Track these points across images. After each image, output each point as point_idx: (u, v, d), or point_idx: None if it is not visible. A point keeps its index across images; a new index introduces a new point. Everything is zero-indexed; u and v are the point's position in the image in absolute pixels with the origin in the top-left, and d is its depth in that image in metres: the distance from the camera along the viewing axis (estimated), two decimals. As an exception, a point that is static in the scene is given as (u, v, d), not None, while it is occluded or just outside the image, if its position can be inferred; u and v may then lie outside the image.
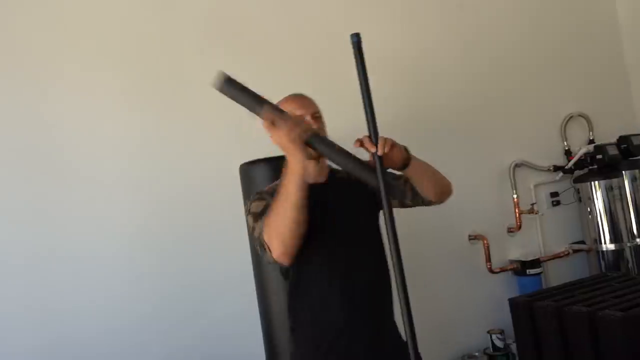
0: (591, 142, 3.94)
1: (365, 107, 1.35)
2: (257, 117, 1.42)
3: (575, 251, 3.77)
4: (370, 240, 1.64)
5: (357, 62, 1.33)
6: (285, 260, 1.42)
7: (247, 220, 1.59)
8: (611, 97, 4.16)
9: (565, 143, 3.89)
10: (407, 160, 1.49)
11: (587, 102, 4.00)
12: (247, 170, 2.50)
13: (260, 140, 2.78)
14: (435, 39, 3.46)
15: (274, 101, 1.55)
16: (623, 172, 3.65)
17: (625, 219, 3.60)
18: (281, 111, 1.41)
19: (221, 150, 2.84)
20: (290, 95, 1.65)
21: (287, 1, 3.11)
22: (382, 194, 1.30)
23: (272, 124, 1.36)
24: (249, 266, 2.54)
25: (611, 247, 3.59)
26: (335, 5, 3.21)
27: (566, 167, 3.77)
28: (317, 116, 1.61)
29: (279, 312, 2.40)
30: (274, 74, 2.83)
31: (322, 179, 1.65)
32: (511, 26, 3.79)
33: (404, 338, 1.29)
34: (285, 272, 1.65)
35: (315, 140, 1.39)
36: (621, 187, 3.62)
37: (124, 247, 2.65)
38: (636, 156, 3.70)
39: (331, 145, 1.41)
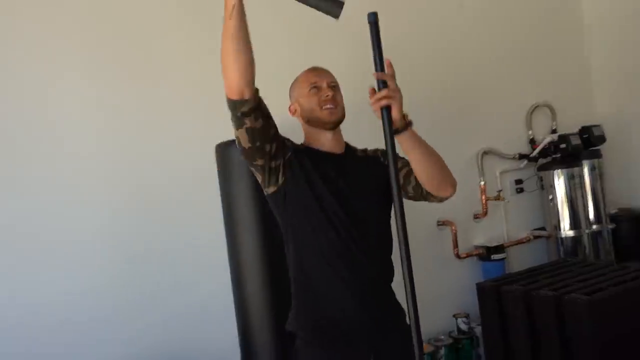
0: (554, 131, 4.05)
1: (378, 86, 1.34)
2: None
3: (536, 237, 3.89)
4: (378, 227, 1.61)
5: (372, 41, 1.30)
6: (230, 93, 1.38)
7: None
8: (573, 88, 4.28)
9: (530, 132, 3.99)
10: (406, 121, 1.44)
11: (551, 92, 4.10)
12: (224, 150, 2.42)
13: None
14: (406, 30, 3.44)
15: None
16: (583, 161, 3.78)
17: (584, 206, 3.74)
18: None
19: (197, 130, 2.73)
20: (308, 68, 1.70)
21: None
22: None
23: None
24: (224, 252, 2.47)
25: (570, 233, 3.72)
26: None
27: (531, 156, 3.86)
28: (333, 85, 1.64)
29: (254, 301, 2.37)
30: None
31: (338, 149, 1.66)
32: (479, 19, 3.82)
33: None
34: (287, 257, 1.64)
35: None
36: (581, 176, 3.76)
37: (91, 231, 2.53)
38: (596, 146, 3.84)
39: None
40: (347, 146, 1.72)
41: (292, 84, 1.72)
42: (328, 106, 1.60)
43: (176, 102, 2.72)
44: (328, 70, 1.69)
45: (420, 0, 3.58)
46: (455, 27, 3.68)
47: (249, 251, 2.37)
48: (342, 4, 1.32)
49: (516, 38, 3.96)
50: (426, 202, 1.65)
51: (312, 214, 1.54)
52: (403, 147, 1.48)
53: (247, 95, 1.39)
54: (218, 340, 2.60)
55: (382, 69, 1.33)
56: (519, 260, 3.75)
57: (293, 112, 1.69)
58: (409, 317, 1.24)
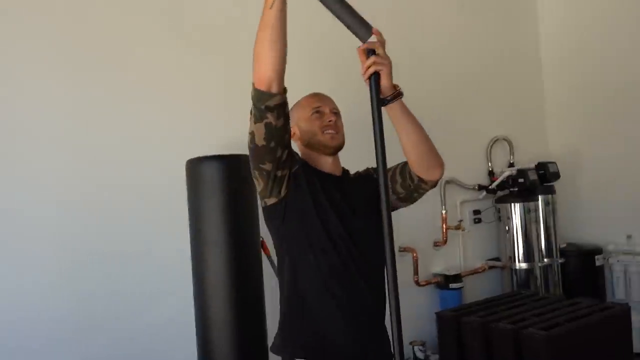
0: (511, 165, 4.19)
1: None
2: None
3: (491, 267, 3.98)
4: (378, 253, 1.57)
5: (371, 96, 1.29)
6: (259, 84, 1.34)
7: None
8: (530, 124, 4.46)
9: (490, 164, 4.10)
10: (397, 91, 1.41)
11: (510, 127, 4.25)
12: (195, 166, 2.33)
13: (208, 136, 2.69)
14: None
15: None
16: (539, 196, 3.91)
17: (537, 240, 3.87)
18: None
19: (165, 145, 2.63)
20: (311, 93, 1.68)
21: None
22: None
23: None
24: (188, 271, 2.36)
25: (524, 265, 3.83)
26: None
27: (489, 187, 3.97)
28: (335, 112, 1.64)
29: (216, 321, 2.28)
30: (224, 63, 2.73)
31: (337, 173, 1.64)
32: (449, 58, 3.92)
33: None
34: (279, 270, 1.58)
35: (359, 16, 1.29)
36: (537, 210, 3.89)
37: (47, 244, 2.37)
38: (551, 182, 3.99)
39: (345, 7, 1.28)
40: (343, 170, 1.70)
41: (292, 107, 1.67)
42: (330, 131, 1.58)
43: (148, 116, 2.61)
44: (330, 97, 1.67)
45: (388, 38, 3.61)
46: (421, 62, 3.75)
47: (215, 271, 2.28)
48: (371, 28, 1.29)
49: (479, 73, 4.09)
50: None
51: (314, 231, 1.50)
52: (392, 118, 1.45)
53: (274, 89, 1.35)
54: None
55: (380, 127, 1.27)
56: (474, 290, 3.82)
57: (292, 135, 1.63)
58: (392, 346, 1.25)
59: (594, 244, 4.17)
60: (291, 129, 1.60)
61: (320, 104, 1.62)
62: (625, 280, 4.05)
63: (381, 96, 1.37)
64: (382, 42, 1.34)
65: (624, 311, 3.01)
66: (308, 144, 1.61)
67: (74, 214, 2.43)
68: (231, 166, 2.31)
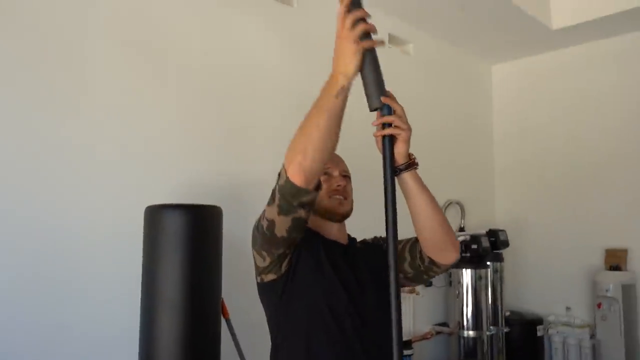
0: (461, 229, 4.21)
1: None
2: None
3: (438, 332, 3.90)
4: (383, 324, 1.41)
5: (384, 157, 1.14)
6: (299, 178, 1.13)
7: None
8: (480, 192, 4.57)
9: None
10: (412, 160, 1.29)
11: (462, 192, 4.30)
12: (156, 214, 2.07)
13: (168, 183, 2.46)
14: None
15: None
16: (489, 263, 3.93)
17: (486, 307, 3.85)
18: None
19: (122, 190, 2.36)
20: None
21: (209, 17, 2.80)
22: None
23: (348, 9, 1.11)
24: (134, 329, 2.07)
25: (472, 333, 3.78)
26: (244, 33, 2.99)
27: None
28: (344, 174, 1.50)
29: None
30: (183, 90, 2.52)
31: (343, 240, 1.50)
32: (412, 124, 3.94)
33: None
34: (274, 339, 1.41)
35: (370, 53, 1.15)
36: (486, 277, 3.89)
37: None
38: (499, 250, 4.03)
39: (377, 69, 1.17)
40: (349, 237, 1.54)
41: None
42: (338, 197, 1.43)
43: (106, 160, 2.35)
44: (341, 158, 1.52)
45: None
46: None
47: (168, 334, 1.99)
48: (381, 102, 1.17)
49: (438, 141, 4.17)
50: None
51: (317, 309, 1.33)
52: (404, 190, 1.29)
53: (312, 185, 1.17)
54: None
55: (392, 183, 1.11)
56: (422, 356, 3.72)
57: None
58: None
59: (536, 314, 4.24)
60: None
61: (330, 164, 1.43)
62: (564, 351, 4.11)
63: (400, 151, 1.23)
64: (402, 107, 1.22)
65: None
66: (315, 214, 1.42)
67: (24, 267, 2.08)
68: (196, 218, 2.08)
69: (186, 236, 2.04)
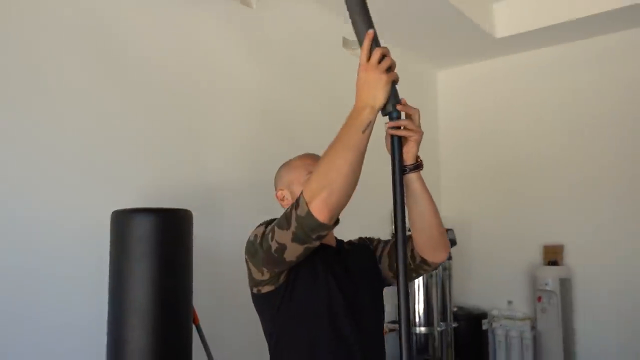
0: (409, 229, 4.33)
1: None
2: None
3: (391, 330, 3.99)
4: (375, 323, 1.47)
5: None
6: (323, 215, 1.12)
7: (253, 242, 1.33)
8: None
9: (393, 227, 4.19)
10: (419, 161, 1.34)
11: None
12: (123, 219, 2.00)
13: (134, 187, 2.37)
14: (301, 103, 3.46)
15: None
16: (439, 261, 4.07)
17: (436, 304, 3.99)
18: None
19: (87, 194, 2.25)
20: (305, 154, 1.55)
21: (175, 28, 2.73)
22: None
23: (371, 45, 1.16)
24: (101, 336, 1.98)
25: (423, 330, 3.90)
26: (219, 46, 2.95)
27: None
28: None
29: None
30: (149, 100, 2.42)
31: (332, 242, 1.51)
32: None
33: None
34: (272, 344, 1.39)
35: (393, 87, 1.20)
36: (437, 275, 4.03)
37: None
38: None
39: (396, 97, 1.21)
40: (336, 239, 1.56)
41: (282, 168, 1.54)
42: None
43: (70, 163, 2.23)
44: None
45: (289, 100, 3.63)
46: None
47: (138, 345, 1.92)
48: (393, 107, 1.21)
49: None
50: None
51: (317, 313, 1.35)
52: (410, 189, 1.34)
53: (332, 221, 1.16)
54: None
55: (400, 184, 1.17)
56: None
57: (281, 199, 1.49)
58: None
59: (481, 309, 4.44)
60: (280, 192, 1.49)
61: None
62: (507, 343, 4.33)
63: (408, 153, 1.30)
64: (418, 112, 1.26)
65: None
66: None
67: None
68: (166, 222, 2.02)
69: (156, 241, 1.98)
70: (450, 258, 4.19)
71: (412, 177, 1.33)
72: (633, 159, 3.94)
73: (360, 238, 1.62)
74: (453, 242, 4.17)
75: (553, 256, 4.19)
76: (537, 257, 4.31)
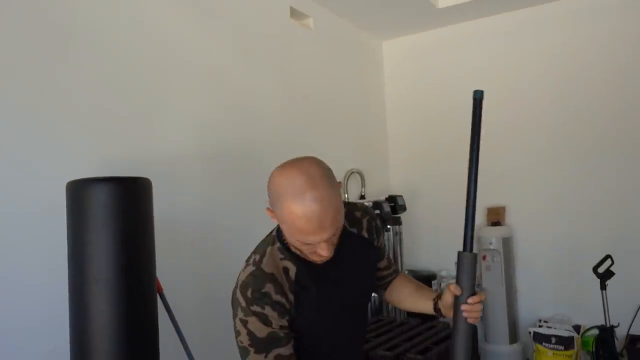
0: (362, 197, 4.45)
1: (470, 166, 1.34)
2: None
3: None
4: (363, 324, 1.53)
5: (474, 118, 1.30)
6: None
7: (239, 343, 1.29)
8: (376, 162, 4.83)
9: (347, 195, 4.29)
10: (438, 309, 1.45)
11: (361, 162, 4.53)
12: (79, 189, 1.95)
13: (88, 158, 2.30)
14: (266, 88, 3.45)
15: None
16: (390, 227, 4.21)
17: (389, 268, 4.13)
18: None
19: (41, 165, 2.17)
20: (307, 216, 1.15)
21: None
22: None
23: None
24: (62, 312, 1.95)
25: (377, 293, 4.04)
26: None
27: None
28: (333, 235, 1.22)
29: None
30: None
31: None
32: (317, 101, 4.08)
33: None
34: None
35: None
36: (389, 240, 4.17)
37: None
38: (398, 214, 4.33)
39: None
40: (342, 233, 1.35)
41: (275, 199, 1.21)
42: (317, 260, 1.28)
43: (22, 133, 2.13)
44: (333, 214, 1.17)
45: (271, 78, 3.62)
46: (295, 100, 3.81)
47: (101, 317, 1.90)
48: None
49: (339, 115, 4.36)
50: None
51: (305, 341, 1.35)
52: (419, 305, 1.50)
53: None
54: None
55: (477, 146, 1.34)
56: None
57: (271, 217, 1.27)
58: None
59: (430, 270, 4.64)
60: (271, 213, 1.25)
61: (313, 239, 1.18)
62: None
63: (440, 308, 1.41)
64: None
65: (474, 328, 3.37)
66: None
67: None
68: (126, 190, 1.99)
69: (116, 210, 1.94)
70: (400, 223, 4.33)
71: (430, 304, 1.46)
72: (569, 124, 4.19)
73: (370, 221, 1.48)
74: (402, 208, 4.32)
75: (496, 217, 4.42)
76: (481, 218, 4.53)
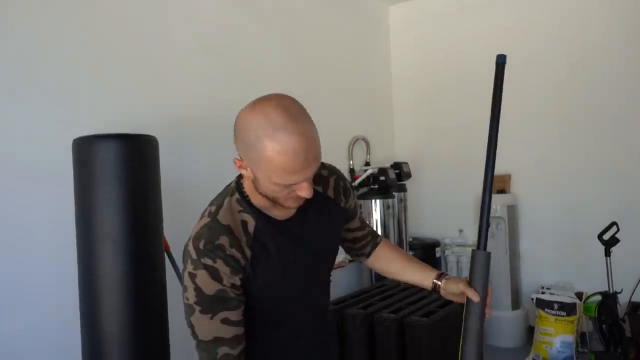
0: (367, 163, 4.43)
1: (490, 130, 1.32)
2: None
3: (350, 261, 4.14)
4: (327, 280, 1.41)
5: (495, 84, 1.29)
6: None
7: (185, 299, 1.16)
8: (382, 129, 4.80)
9: (351, 162, 4.27)
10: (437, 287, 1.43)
11: (366, 129, 4.49)
12: (86, 147, 1.94)
13: (95, 116, 2.28)
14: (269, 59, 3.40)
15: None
16: (394, 193, 4.20)
17: (394, 234, 4.14)
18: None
19: (43, 120, 2.15)
20: (295, 148, 1.04)
21: None
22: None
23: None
24: (70, 268, 1.96)
25: (381, 258, 4.06)
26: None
27: (352, 185, 4.12)
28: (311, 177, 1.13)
29: (111, 332, 1.91)
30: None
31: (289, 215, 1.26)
32: (322, 66, 4.05)
33: None
34: None
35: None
36: (393, 207, 4.17)
37: None
38: (403, 181, 4.32)
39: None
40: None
41: (250, 141, 1.06)
42: (293, 205, 1.19)
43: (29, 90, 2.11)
44: (316, 149, 1.08)
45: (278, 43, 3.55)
46: (303, 66, 3.76)
47: (109, 274, 1.91)
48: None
49: (344, 82, 4.32)
50: None
51: (266, 302, 1.25)
52: (415, 278, 1.46)
53: None
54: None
55: (498, 114, 1.33)
56: (338, 283, 3.93)
57: (238, 168, 1.16)
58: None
59: (434, 238, 4.66)
60: (240, 163, 1.15)
61: (298, 177, 1.07)
62: (458, 268, 4.59)
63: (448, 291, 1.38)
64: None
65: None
66: (261, 192, 1.17)
67: None
68: (132, 148, 1.98)
69: (124, 167, 1.94)
70: (405, 190, 4.33)
71: (429, 279, 1.43)
72: (576, 92, 4.13)
73: (337, 180, 1.39)
74: (407, 175, 4.31)
75: (501, 185, 4.40)
76: (486, 187, 4.51)
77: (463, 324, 1.30)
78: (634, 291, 3.79)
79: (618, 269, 3.58)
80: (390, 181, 4.05)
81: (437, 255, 4.52)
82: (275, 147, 1.03)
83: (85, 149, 1.94)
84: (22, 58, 2.10)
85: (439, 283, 1.41)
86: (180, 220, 2.59)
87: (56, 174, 2.08)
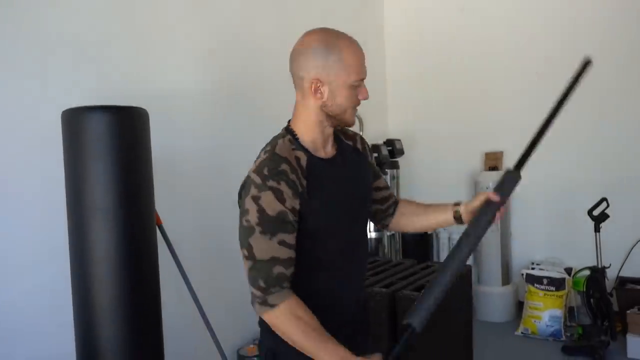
0: (360, 141, 4.43)
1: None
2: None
3: (368, 231, 4.16)
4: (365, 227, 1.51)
5: (574, 80, 1.48)
6: (266, 318, 1.25)
7: (243, 222, 1.25)
8: (375, 107, 4.77)
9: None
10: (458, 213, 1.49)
11: (360, 105, 4.46)
12: (75, 118, 1.91)
13: (84, 87, 2.24)
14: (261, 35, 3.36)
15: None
16: (387, 170, 4.21)
17: (385, 211, 4.16)
18: None
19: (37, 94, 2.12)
20: (355, 46, 1.37)
21: None
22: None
23: None
24: (60, 242, 1.95)
25: (374, 235, 4.09)
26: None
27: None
28: None
29: (103, 302, 1.91)
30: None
31: (332, 148, 1.41)
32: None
33: None
34: None
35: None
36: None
37: None
38: (396, 158, 4.32)
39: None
40: (335, 137, 1.43)
41: (326, 52, 1.27)
42: (353, 120, 1.38)
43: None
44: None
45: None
46: (289, 45, 3.72)
47: (101, 245, 1.90)
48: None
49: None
50: None
51: (319, 239, 1.34)
52: (442, 218, 1.52)
53: None
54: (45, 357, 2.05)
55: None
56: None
57: (314, 91, 1.29)
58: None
59: (426, 215, 4.67)
60: (315, 82, 1.29)
61: (365, 72, 1.36)
62: (449, 245, 4.62)
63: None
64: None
65: (468, 271, 3.43)
66: (328, 117, 1.33)
67: None
68: (123, 120, 1.95)
69: (112, 139, 1.92)
70: (398, 167, 4.33)
71: (449, 211, 1.50)
72: (568, 68, 4.11)
73: (363, 140, 1.56)
74: (400, 152, 4.31)
75: (493, 162, 4.42)
76: (478, 164, 4.53)
77: (466, 229, 1.36)
78: (622, 266, 3.85)
79: (607, 245, 3.62)
80: (383, 158, 4.05)
81: (429, 232, 4.55)
82: (348, 45, 1.31)
83: (75, 120, 1.91)
84: (11, 28, 2.05)
85: (459, 208, 1.49)
86: (173, 194, 2.60)
87: (45, 146, 2.06)
